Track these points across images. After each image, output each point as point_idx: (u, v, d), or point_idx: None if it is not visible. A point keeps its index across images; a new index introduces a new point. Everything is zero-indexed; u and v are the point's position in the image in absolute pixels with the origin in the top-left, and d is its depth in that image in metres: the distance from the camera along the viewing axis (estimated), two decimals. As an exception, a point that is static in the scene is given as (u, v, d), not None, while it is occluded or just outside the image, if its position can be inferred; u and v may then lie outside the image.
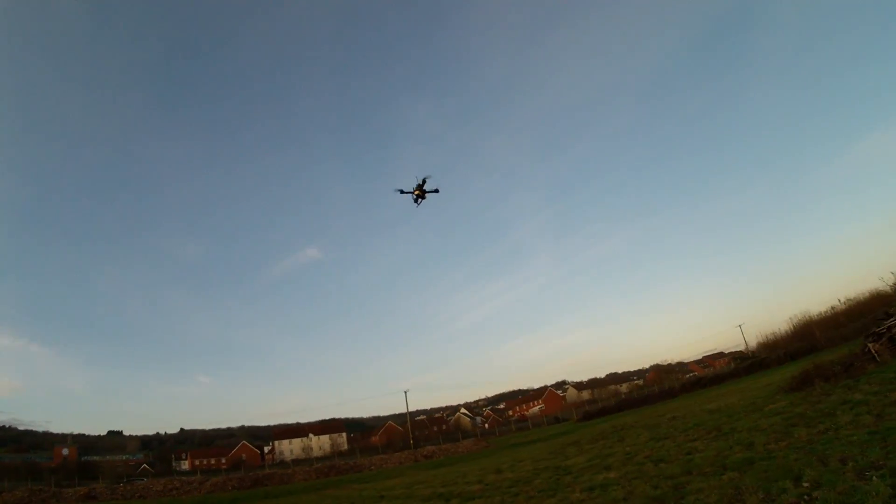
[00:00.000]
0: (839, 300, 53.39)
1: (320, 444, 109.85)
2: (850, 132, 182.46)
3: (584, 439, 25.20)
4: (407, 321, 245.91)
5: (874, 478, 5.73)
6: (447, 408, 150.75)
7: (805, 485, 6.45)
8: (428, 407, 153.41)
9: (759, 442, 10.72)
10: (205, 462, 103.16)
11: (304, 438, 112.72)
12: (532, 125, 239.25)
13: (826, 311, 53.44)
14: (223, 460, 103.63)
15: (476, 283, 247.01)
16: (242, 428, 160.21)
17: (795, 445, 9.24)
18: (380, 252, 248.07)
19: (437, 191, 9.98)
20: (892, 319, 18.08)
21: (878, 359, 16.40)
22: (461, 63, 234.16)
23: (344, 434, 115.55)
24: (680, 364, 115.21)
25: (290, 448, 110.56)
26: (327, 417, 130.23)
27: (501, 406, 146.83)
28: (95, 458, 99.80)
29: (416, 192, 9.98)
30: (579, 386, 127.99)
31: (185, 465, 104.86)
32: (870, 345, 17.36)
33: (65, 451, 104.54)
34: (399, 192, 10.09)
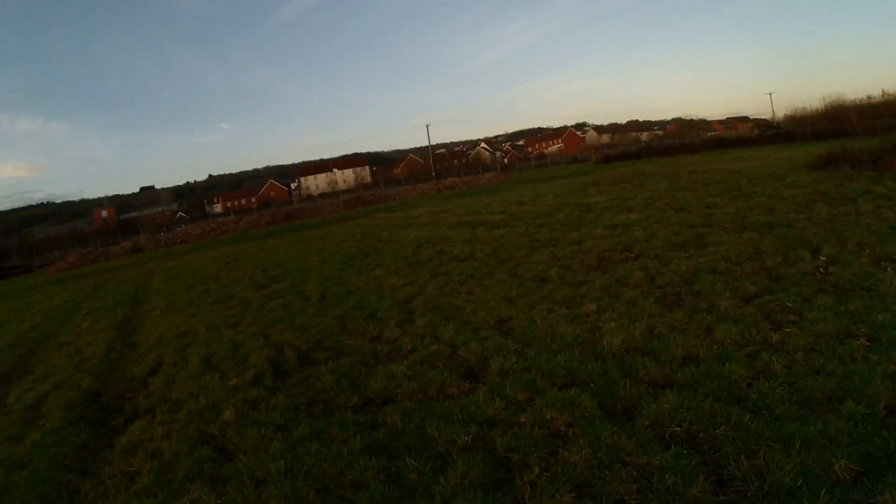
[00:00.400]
0: (882, 91, 51.02)
1: (344, 177, 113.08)
2: None
3: (604, 181, 26.20)
4: (427, 56, 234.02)
5: (889, 268, 6.52)
6: (467, 142, 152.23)
7: (822, 258, 7.26)
8: (448, 140, 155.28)
9: (779, 209, 11.33)
10: (236, 203, 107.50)
11: (329, 173, 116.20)
12: None
13: (862, 99, 51.63)
14: (253, 200, 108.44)
15: (497, 18, 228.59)
16: (268, 168, 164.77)
17: (815, 220, 9.85)
18: None
19: None
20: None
21: (910, 158, 16.58)
22: None
23: (367, 167, 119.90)
24: (703, 121, 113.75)
25: (315, 183, 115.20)
26: (349, 153, 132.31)
27: (520, 143, 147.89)
28: (133, 214, 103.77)
29: None
30: (599, 129, 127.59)
31: (218, 209, 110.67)
32: (907, 142, 17.35)
33: (104, 213, 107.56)
34: None
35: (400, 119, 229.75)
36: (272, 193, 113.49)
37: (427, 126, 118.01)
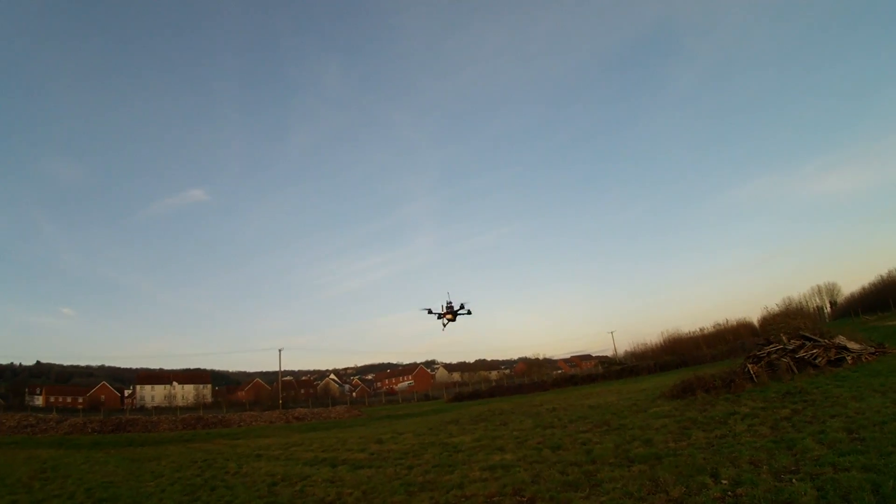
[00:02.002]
0: (713, 323, 61.35)
1: (184, 393, 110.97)
2: (739, 171, 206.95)
3: (464, 419, 26.23)
4: (281, 280, 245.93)
5: (794, 480, 6.66)
6: (315, 372, 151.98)
7: (724, 482, 7.30)
8: (296, 369, 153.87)
9: (657, 440, 11.71)
10: (61, 399, 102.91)
11: (168, 386, 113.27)
12: (438, 108, 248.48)
13: (695, 331, 60.97)
14: (80, 399, 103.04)
15: (357, 252, 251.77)
16: (103, 367, 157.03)
17: (697, 446, 10.28)
18: (265, 207, 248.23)
19: (469, 312, 9.99)
20: (771, 346, 20.64)
21: (755, 380, 18.63)
22: (380, 30, 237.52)
23: (209, 385, 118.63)
24: (548, 360, 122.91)
25: (152, 394, 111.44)
26: (192, 367, 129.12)
27: (370, 377, 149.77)
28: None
29: (446, 315, 9.91)
30: (449, 367, 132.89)
31: (40, 401, 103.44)
32: (749, 365, 19.67)
33: None
34: (426, 312, 9.94)
35: (249, 339, 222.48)
36: (103, 396, 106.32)
37: (280, 350, 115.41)
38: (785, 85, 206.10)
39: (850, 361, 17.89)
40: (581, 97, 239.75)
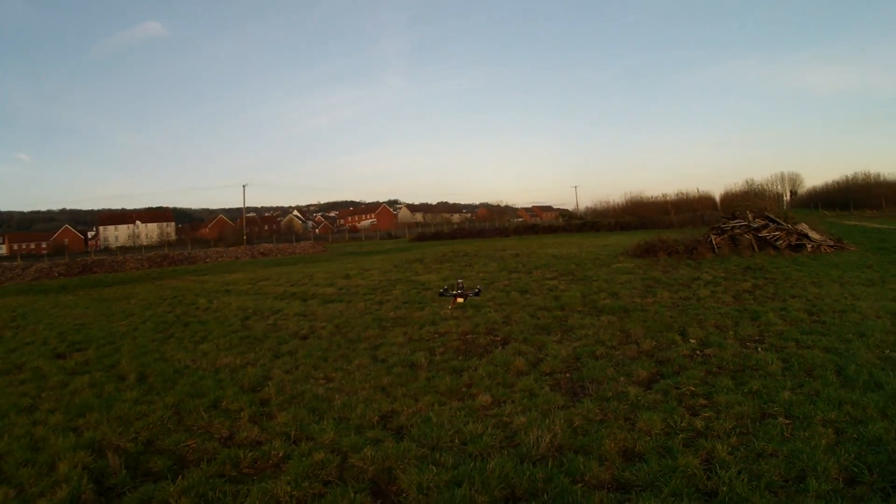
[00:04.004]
0: (677, 191, 63.53)
1: (148, 232, 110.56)
2: (724, 48, 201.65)
3: (428, 258, 27.03)
4: (244, 117, 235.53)
5: (759, 349, 7.31)
6: (278, 208, 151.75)
7: (692, 341, 7.95)
8: (259, 205, 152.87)
9: (623, 294, 12.36)
10: (24, 246, 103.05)
11: (132, 225, 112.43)
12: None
13: (658, 196, 62.94)
14: (44, 245, 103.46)
15: (323, 89, 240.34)
16: (64, 211, 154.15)
17: (663, 304, 10.91)
18: (227, 41, 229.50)
19: (478, 293, 9.46)
20: (736, 221, 21.45)
21: (716, 250, 19.59)
22: None
23: (173, 224, 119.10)
24: (509, 207, 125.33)
25: (115, 235, 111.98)
26: (155, 206, 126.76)
27: (332, 214, 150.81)
28: None
29: (458, 297, 9.30)
30: (412, 207, 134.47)
31: (3, 250, 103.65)
32: (713, 236, 20.58)
33: None
34: (440, 294, 9.38)
35: (212, 176, 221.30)
36: (66, 240, 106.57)
37: (244, 187, 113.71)
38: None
39: (809, 249, 18.83)
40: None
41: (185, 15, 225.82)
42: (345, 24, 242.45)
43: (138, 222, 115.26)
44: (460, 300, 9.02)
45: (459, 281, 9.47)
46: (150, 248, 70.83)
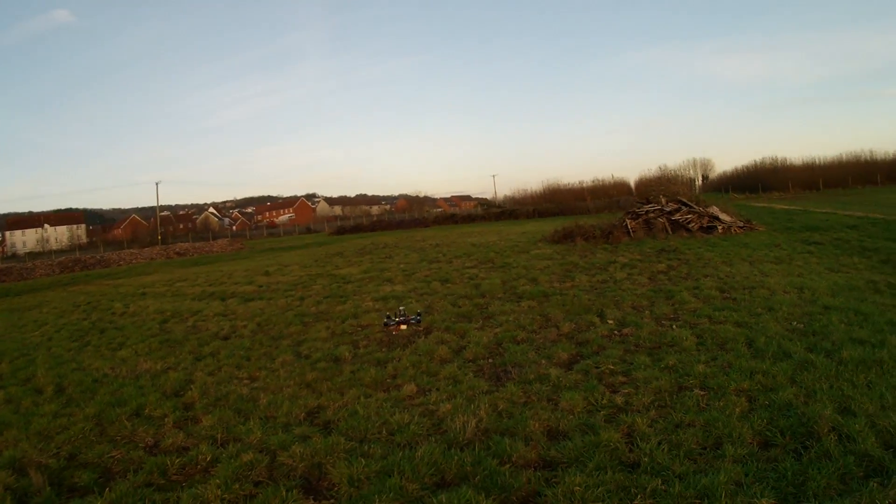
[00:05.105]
0: (594, 178, 66.04)
1: (58, 235, 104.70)
2: (639, 37, 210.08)
3: (348, 252, 26.83)
4: (155, 111, 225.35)
5: (674, 326, 7.64)
6: (193, 206, 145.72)
7: (610, 322, 8.22)
8: (173, 203, 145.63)
9: (542, 279, 12.64)
10: None
11: (40, 229, 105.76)
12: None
13: (574, 183, 65.13)
14: None
15: (237, 81, 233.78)
16: None
17: (581, 288, 11.24)
18: (138, 30, 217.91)
19: (419, 319, 9.52)
20: (650, 205, 22.37)
21: (632, 234, 20.37)
22: None
23: (83, 225, 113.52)
24: (428, 198, 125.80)
25: (23, 240, 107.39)
26: (63, 207, 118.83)
27: (249, 210, 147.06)
28: None
29: (401, 325, 9.32)
30: (330, 200, 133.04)
31: None
32: (628, 220, 21.37)
33: None
34: (384, 324, 9.42)
35: (123, 174, 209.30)
36: None
37: (157, 184, 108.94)
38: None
39: (720, 231, 19.86)
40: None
41: (94, 1, 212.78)
42: (259, 13, 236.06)
43: (47, 226, 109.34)
44: (403, 327, 9.08)
45: (401, 308, 9.52)
46: (60, 252, 67.31)
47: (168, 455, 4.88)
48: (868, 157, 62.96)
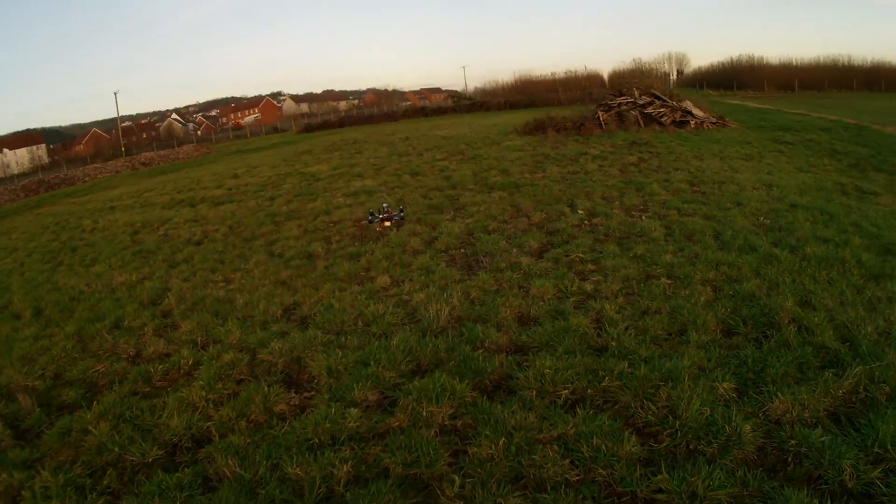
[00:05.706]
0: (565, 70, 64.31)
1: (17, 159, 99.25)
2: None
3: (317, 149, 26.16)
4: (109, 14, 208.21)
5: (644, 217, 7.73)
6: (155, 113, 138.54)
7: (580, 212, 8.28)
8: (133, 112, 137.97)
9: (513, 170, 12.62)
10: None
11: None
12: None
13: (546, 75, 63.65)
14: None
15: None
16: None
17: (552, 178, 11.24)
18: None
19: (402, 216, 8.74)
20: (623, 98, 22.07)
21: (604, 126, 20.19)
22: None
23: (43, 146, 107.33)
24: (397, 91, 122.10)
25: None
26: (20, 129, 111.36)
27: (213, 113, 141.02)
28: None
29: (384, 222, 8.54)
30: (296, 98, 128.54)
31: None
32: (600, 112, 21.13)
33: None
34: (368, 221, 8.60)
35: (78, 87, 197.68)
36: None
37: (115, 94, 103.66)
38: None
39: (693, 126, 19.75)
40: None
41: None
42: None
43: (5, 150, 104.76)
44: (387, 223, 8.97)
45: (385, 205, 9.36)
46: (23, 176, 64.71)
47: (151, 363, 4.92)
48: (846, 62, 62.08)
